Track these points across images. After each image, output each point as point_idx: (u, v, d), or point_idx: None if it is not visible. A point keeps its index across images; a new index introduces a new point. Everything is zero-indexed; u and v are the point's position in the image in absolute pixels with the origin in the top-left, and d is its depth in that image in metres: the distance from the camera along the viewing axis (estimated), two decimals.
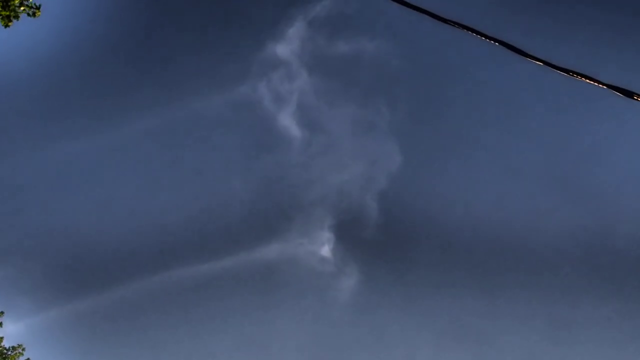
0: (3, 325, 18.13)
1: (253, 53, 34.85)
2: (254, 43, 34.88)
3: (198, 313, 33.95)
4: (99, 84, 34.95)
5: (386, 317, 33.75)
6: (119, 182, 35.92)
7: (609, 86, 3.48)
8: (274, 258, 34.85)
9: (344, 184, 35.86)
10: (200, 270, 34.54)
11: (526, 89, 33.62)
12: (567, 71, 3.55)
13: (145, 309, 34.30)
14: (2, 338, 18.14)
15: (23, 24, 13.33)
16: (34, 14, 13.12)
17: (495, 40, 3.89)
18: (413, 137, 36.09)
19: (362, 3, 33.77)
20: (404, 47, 34.90)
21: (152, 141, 35.95)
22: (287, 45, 33.76)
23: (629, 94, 3.45)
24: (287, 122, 34.89)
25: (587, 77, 3.51)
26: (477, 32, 4.05)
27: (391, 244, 34.65)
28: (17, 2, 12.77)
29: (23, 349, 18.46)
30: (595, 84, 3.49)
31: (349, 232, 35.39)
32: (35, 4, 13.07)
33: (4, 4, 12.64)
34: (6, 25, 12.87)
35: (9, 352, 18.16)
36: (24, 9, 12.93)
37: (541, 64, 3.62)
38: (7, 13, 12.75)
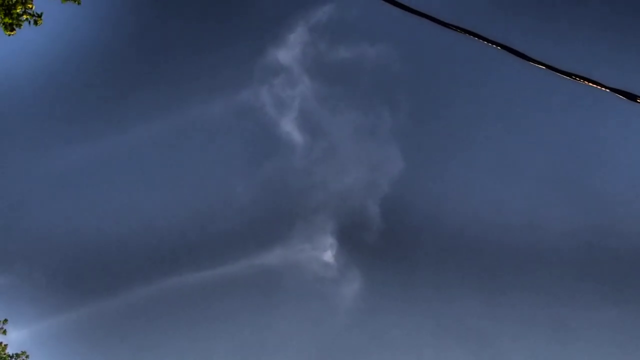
0: (7, 333, 18.14)
1: (255, 59, 34.92)
2: (256, 49, 34.97)
3: (201, 319, 33.93)
4: (102, 90, 35.05)
5: (389, 321, 33.69)
6: (122, 188, 35.97)
7: (613, 89, 3.47)
8: (276, 264, 34.84)
9: (346, 189, 35.86)
10: (203, 276, 34.54)
11: (529, 93, 33.60)
12: (570, 75, 3.55)
13: (148, 315, 34.29)
14: (6, 345, 18.14)
15: (25, 31, 13.38)
16: (35, 22, 13.17)
17: (498, 44, 3.89)
18: (415, 142, 36.09)
19: (363, 8, 33.84)
20: (405, 51, 34.94)
21: (154, 147, 36.03)
22: (289, 51, 33.83)
23: (632, 97, 3.44)
24: (289, 127, 34.93)
25: (590, 81, 3.51)
26: (479, 37, 4.05)
27: (394, 248, 34.61)
28: (19, 10, 12.83)
29: (27, 356, 18.45)
30: (599, 87, 3.48)
31: (352, 237, 35.36)
32: (37, 12, 13.13)
33: (7, 12, 12.70)
34: (9, 34, 12.92)
35: (13, 359, 18.15)
36: (26, 17, 12.98)
37: (544, 67, 3.61)
38: (10, 21, 12.81)
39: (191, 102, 35.18)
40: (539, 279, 32.24)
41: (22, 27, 13.05)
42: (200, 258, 34.89)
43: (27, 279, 32.50)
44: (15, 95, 32.12)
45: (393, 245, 34.57)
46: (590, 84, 3.51)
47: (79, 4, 13.37)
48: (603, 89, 3.50)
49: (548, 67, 3.60)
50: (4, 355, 18.05)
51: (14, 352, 18.30)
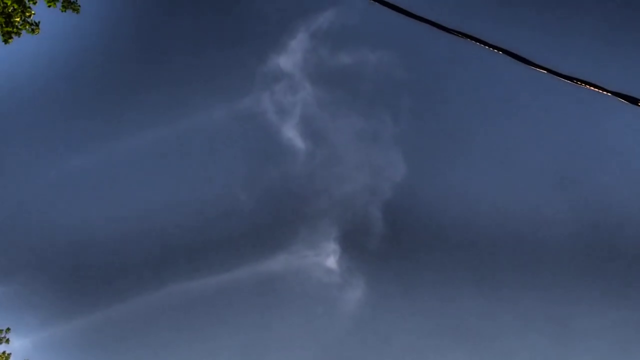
0: (10, 341, 18.11)
1: (256, 65, 35.02)
2: (258, 55, 35.07)
3: (204, 326, 33.89)
4: (103, 97, 35.15)
5: (393, 326, 33.63)
6: (124, 195, 36.00)
7: (614, 93, 3.47)
8: (279, 270, 34.82)
9: (348, 195, 35.85)
10: (207, 283, 34.53)
11: (531, 97, 33.64)
12: (571, 79, 3.55)
13: (152, 322, 34.26)
14: (9, 354, 18.12)
15: (23, 39, 13.46)
16: (33, 31, 13.24)
17: (499, 49, 3.90)
18: (417, 147, 36.10)
19: (363, 14, 33.93)
20: (406, 56, 35.01)
21: (157, 154, 36.08)
22: (290, 57, 33.92)
23: (633, 100, 3.44)
24: (291, 133, 34.97)
25: (591, 85, 3.51)
26: (481, 41, 4.05)
27: (397, 253, 34.58)
28: (18, 20, 12.89)
29: None
30: (600, 91, 3.48)
31: (355, 243, 35.33)
32: (34, 21, 13.20)
33: (7, 20, 12.75)
34: (6, 42, 12.98)
35: None
36: (23, 26, 13.05)
37: (546, 72, 3.62)
38: (10, 29, 12.87)
39: (193, 109, 35.27)
40: (542, 281, 32.21)
41: (20, 35, 13.12)
42: (204, 265, 34.90)
43: (30, 287, 32.51)
44: (14, 101, 32.23)
45: (396, 250, 34.56)
46: (592, 87, 3.51)
47: (77, 12, 13.43)
48: (604, 92, 3.50)
49: (550, 71, 3.61)
50: None
51: None
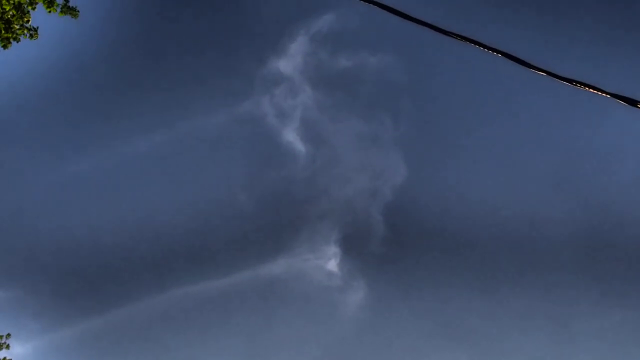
0: (11, 347, 18.09)
1: (256, 69, 35.05)
2: (257, 59, 35.11)
3: (206, 330, 33.89)
4: (102, 101, 35.20)
5: (395, 329, 33.63)
6: (124, 199, 36.01)
7: (613, 95, 3.49)
8: (280, 273, 34.82)
9: (349, 198, 35.87)
10: (206, 287, 34.51)
11: (530, 99, 33.70)
12: (571, 81, 3.57)
13: (153, 327, 34.24)
14: None
15: (22, 43, 13.48)
16: (31, 36, 13.28)
17: (499, 51, 3.91)
18: (417, 149, 36.14)
19: (363, 17, 33.98)
20: (406, 59, 35.04)
21: (156, 158, 36.10)
22: (290, 61, 33.95)
23: (632, 102, 3.46)
24: (291, 137, 34.99)
25: (590, 87, 3.52)
26: (480, 44, 4.07)
27: (398, 255, 34.59)
28: (18, 26, 12.92)
29: None
30: (599, 93, 3.50)
31: (356, 246, 35.33)
32: (33, 26, 13.24)
33: (7, 26, 12.79)
34: (5, 47, 13.01)
35: None
36: (22, 31, 13.07)
37: (545, 74, 3.63)
38: (9, 35, 12.90)
39: (193, 113, 35.30)
40: (541, 282, 32.26)
41: (19, 41, 13.16)
42: (205, 268, 34.90)
43: (31, 292, 32.50)
44: (13, 105, 32.27)
45: (397, 252, 34.58)
46: (591, 89, 3.53)
47: (76, 18, 13.48)
48: (603, 94, 3.51)
49: (549, 73, 3.62)
50: None
51: None
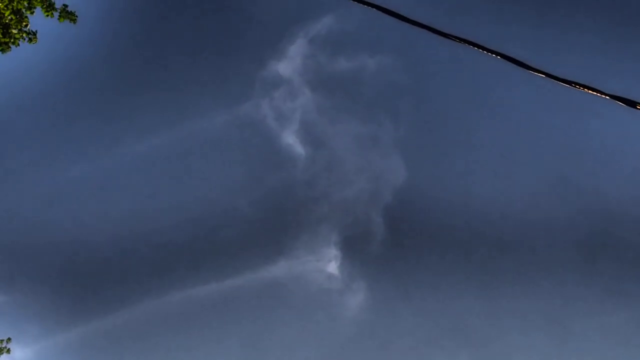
0: (11, 351, 18.07)
1: (255, 71, 35.10)
2: (256, 62, 35.17)
3: (205, 333, 33.86)
4: (101, 105, 35.22)
5: (395, 330, 33.61)
6: (123, 202, 36.00)
7: (612, 96, 3.49)
8: (280, 276, 34.80)
9: (349, 200, 35.87)
10: (207, 290, 34.50)
11: (529, 101, 33.74)
12: (570, 83, 3.57)
13: (153, 330, 34.21)
14: None
15: (21, 47, 13.49)
16: (30, 40, 13.29)
17: (498, 53, 3.92)
18: (417, 151, 36.18)
19: (361, 20, 34.04)
20: (405, 62, 35.09)
21: (156, 161, 36.11)
22: (289, 63, 34.00)
23: (631, 103, 3.46)
24: (291, 139, 35.01)
25: (590, 88, 3.53)
26: (479, 46, 4.07)
27: (398, 257, 34.59)
28: (16, 30, 12.93)
29: None
30: (599, 94, 3.50)
31: (356, 248, 35.33)
32: (32, 30, 13.24)
33: (4, 31, 12.80)
34: (4, 51, 13.02)
35: None
36: (21, 35, 13.08)
37: (544, 76, 3.63)
38: (7, 40, 12.91)
39: (193, 116, 35.32)
40: (542, 282, 32.27)
41: (18, 45, 13.17)
42: (205, 271, 34.89)
43: (31, 296, 32.46)
44: (12, 108, 32.28)
45: (397, 254, 34.57)
46: (590, 91, 3.53)
47: (74, 23, 13.49)
48: (603, 96, 3.52)
49: (548, 75, 3.63)
50: None
51: None
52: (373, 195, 35.29)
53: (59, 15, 13.24)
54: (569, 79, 3.64)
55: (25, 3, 12.86)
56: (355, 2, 4.89)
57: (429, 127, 36.02)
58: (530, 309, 32.21)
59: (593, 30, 29.91)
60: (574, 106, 33.10)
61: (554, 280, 32.08)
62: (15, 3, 12.64)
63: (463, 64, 33.55)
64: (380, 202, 34.98)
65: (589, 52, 30.11)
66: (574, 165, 33.69)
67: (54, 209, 35.36)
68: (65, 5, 13.34)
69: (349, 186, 36.10)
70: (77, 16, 13.43)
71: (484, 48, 4.07)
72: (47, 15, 13.13)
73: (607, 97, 3.53)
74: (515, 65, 3.88)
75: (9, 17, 12.71)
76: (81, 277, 33.90)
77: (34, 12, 13.00)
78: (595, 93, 3.56)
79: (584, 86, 3.57)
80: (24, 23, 13.04)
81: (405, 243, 34.38)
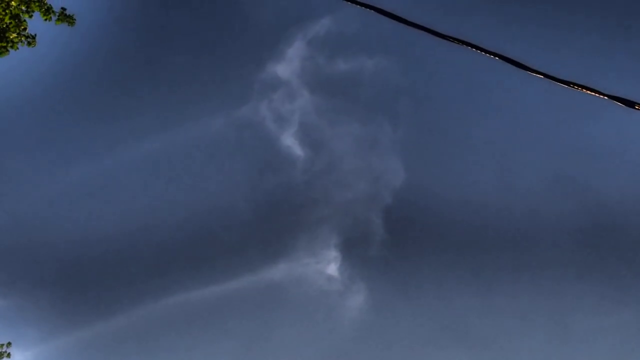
0: (11, 356, 18.04)
1: (254, 74, 35.11)
2: (255, 64, 35.17)
3: (205, 336, 33.84)
4: (100, 108, 35.19)
5: (395, 331, 33.60)
6: (122, 206, 35.96)
7: (611, 97, 3.50)
8: (280, 278, 34.79)
9: (348, 202, 35.88)
10: (207, 292, 34.48)
11: (528, 102, 33.77)
12: (568, 83, 3.58)
13: (152, 333, 34.19)
14: None
15: (20, 49, 13.48)
16: (29, 44, 13.28)
17: (496, 54, 3.93)
18: (416, 152, 36.19)
19: (360, 21, 34.05)
20: (403, 63, 35.13)
21: (155, 163, 36.10)
22: (288, 65, 34.01)
23: (630, 103, 3.47)
24: (290, 141, 35.01)
25: (588, 89, 3.53)
26: (477, 47, 4.08)
27: (397, 258, 34.59)
28: (14, 36, 12.93)
29: None
30: (597, 95, 3.51)
31: (355, 250, 35.33)
32: (30, 34, 13.23)
33: (2, 35, 12.78)
34: (2, 54, 13.00)
35: None
36: (20, 39, 13.07)
37: (543, 77, 3.64)
38: (4, 44, 12.90)
39: (192, 117, 35.33)
40: (541, 282, 32.28)
41: (17, 49, 13.16)
42: (204, 274, 34.86)
43: (31, 300, 32.43)
44: (11, 111, 32.25)
45: (397, 255, 34.57)
46: (589, 91, 3.54)
47: (72, 26, 13.49)
48: (601, 96, 3.52)
49: (546, 76, 3.63)
50: None
51: None
52: (372, 197, 35.30)
53: (57, 19, 13.24)
54: (567, 79, 3.65)
55: (24, 7, 12.85)
56: (354, 4, 4.90)
57: (427, 128, 36.05)
58: (530, 308, 32.23)
59: (592, 31, 29.95)
60: (572, 107, 33.16)
61: (554, 280, 32.10)
62: (13, 8, 12.64)
63: (461, 65, 33.58)
64: (380, 203, 34.99)
65: (588, 52, 30.16)
66: (574, 166, 33.73)
67: (53, 212, 35.34)
68: (64, 9, 13.34)
69: (348, 188, 36.11)
70: (75, 19, 13.43)
71: (482, 49, 4.08)
72: (46, 19, 13.13)
73: (606, 98, 3.54)
74: (513, 66, 3.89)
75: (7, 22, 12.70)
76: (81, 280, 33.88)
77: (32, 15, 13.00)
78: (593, 93, 3.57)
79: (583, 87, 3.58)
80: (22, 27, 13.03)
81: (405, 244, 34.39)
